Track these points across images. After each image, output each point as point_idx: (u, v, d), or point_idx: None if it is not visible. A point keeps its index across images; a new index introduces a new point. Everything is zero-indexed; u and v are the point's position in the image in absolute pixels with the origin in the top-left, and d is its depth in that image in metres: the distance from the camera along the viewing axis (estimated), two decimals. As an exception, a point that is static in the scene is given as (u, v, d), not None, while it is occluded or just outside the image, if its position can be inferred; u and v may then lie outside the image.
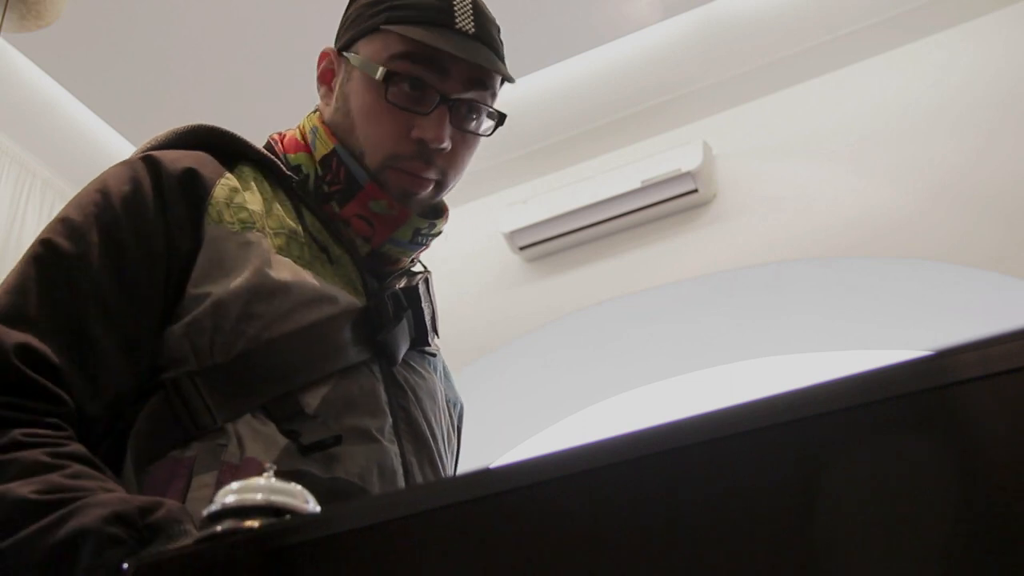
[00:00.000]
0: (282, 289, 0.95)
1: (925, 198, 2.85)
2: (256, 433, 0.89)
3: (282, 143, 1.11)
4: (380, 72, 1.02)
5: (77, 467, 0.79)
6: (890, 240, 2.85)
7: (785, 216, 3.03)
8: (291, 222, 1.02)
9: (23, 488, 0.75)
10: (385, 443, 0.96)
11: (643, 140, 3.38)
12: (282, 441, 0.90)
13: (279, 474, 0.54)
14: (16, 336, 0.84)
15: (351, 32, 1.10)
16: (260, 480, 0.53)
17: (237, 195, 0.99)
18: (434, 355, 1.13)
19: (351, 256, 1.04)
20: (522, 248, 3.33)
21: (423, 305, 1.08)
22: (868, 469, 0.37)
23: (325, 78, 1.11)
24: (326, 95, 1.11)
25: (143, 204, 0.95)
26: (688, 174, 3.11)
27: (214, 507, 0.52)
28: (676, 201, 3.16)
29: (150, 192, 0.96)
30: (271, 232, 0.99)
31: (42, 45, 3.20)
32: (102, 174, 1.00)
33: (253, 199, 1.00)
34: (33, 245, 0.93)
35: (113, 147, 3.59)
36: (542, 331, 3.27)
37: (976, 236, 2.73)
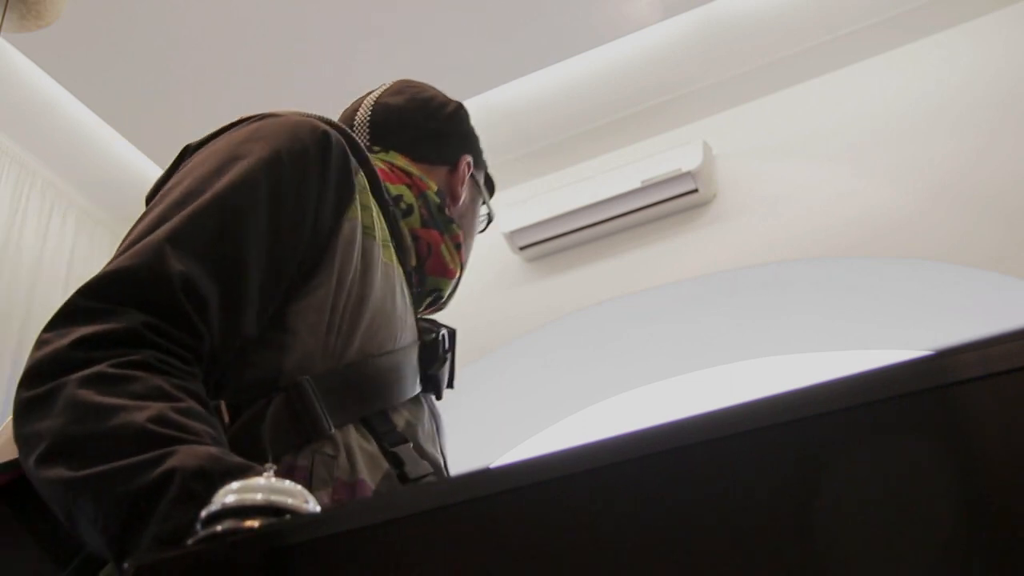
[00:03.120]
0: (388, 305, 0.99)
1: (925, 198, 2.85)
2: (362, 450, 0.91)
3: None
4: (488, 216, 1.34)
5: (191, 404, 0.79)
6: (890, 240, 2.85)
7: (785, 216, 3.03)
8: (391, 240, 1.06)
9: (139, 414, 0.75)
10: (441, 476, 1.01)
11: (643, 140, 3.38)
12: (384, 465, 0.92)
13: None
14: (181, 264, 0.84)
15: (477, 155, 1.30)
16: (260, 480, 0.53)
17: (364, 195, 1.02)
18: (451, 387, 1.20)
19: (411, 287, 1.10)
20: (522, 248, 3.33)
21: (454, 351, 1.15)
22: (868, 469, 0.37)
23: (460, 176, 1.25)
24: (443, 175, 1.23)
25: (307, 173, 0.96)
26: (688, 174, 3.11)
27: (214, 507, 0.52)
28: (676, 201, 3.16)
29: (317, 164, 0.97)
30: (381, 242, 1.03)
31: (42, 45, 3.20)
32: (266, 123, 1.00)
33: (373, 206, 1.04)
34: (204, 173, 0.93)
35: (113, 147, 3.59)
36: (542, 331, 3.26)
37: (976, 236, 2.72)
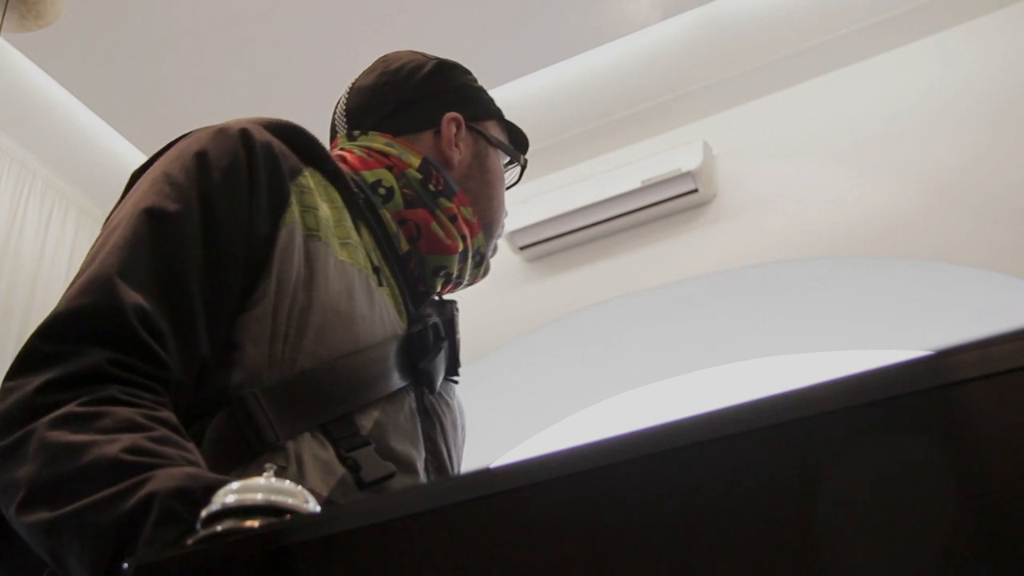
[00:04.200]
0: (343, 306, 0.96)
1: (925, 198, 2.85)
2: (315, 459, 0.89)
3: (345, 163, 1.14)
4: (514, 164, 1.29)
5: (165, 432, 0.78)
6: (890, 240, 2.85)
7: (785, 216, 3.03)
8: (356, 236, 1.04)
9: (111, 447, 0.74)
10: (422, 477, 0.98)
11: (643, 140, 3.38)
12: (340, 471, 0.90)
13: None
14: (134, 296, 0.84)
15: (471, 107, 1.24)
16: (260, 480, 0.53)
17: (309, 196, 1.00)
18: (456, 382, 1.16)
19: (397, 279, 1.07)
20: (522, 248, 3.33)
21: (457, 336, 1.13)
22: (868, 469, 0.37)
23: (446, 137, 1.19)
24: (430, 140, 1.19)
25: (238, 181, 0.95)
26: (688, 174, 3.11)
27: (214, 507, 0.52)
28: (676, 201, 3.16)
29: (245, 170, 0.95)
30: (338, 242, 1.00)
31: (42, 45, 3.20)
32: (197, 136, 0.99)
33: (323, 206, 1.01)
34: (140, 202, 0.92)
35: (113, 147, 3.59)
36: (542, 331, 3.26)
37: (976, 236, 2.72)
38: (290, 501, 0.52)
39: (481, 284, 1.28)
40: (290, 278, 0.93)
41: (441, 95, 1.22)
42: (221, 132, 0.98)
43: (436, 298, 1.16)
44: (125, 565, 0.52)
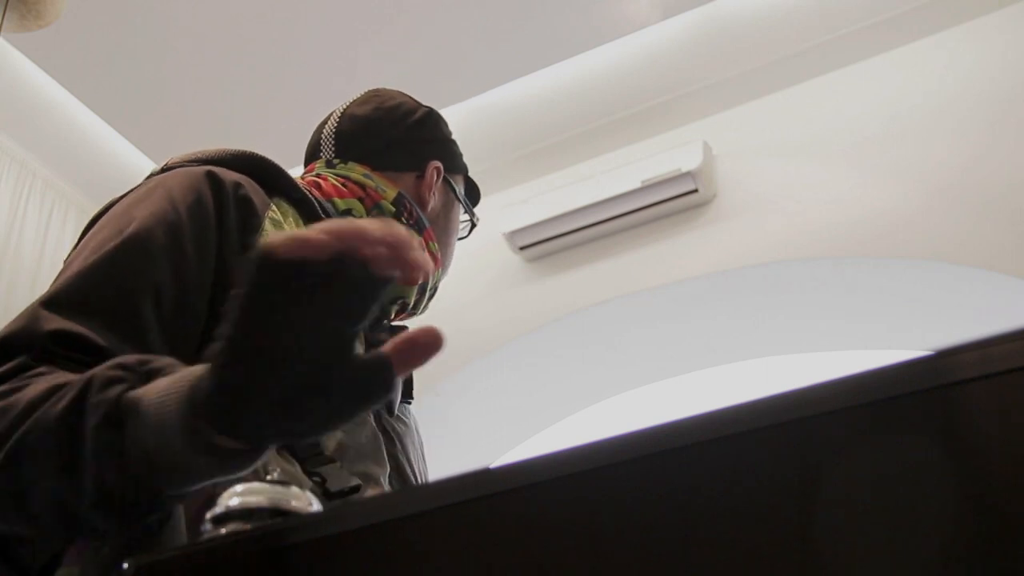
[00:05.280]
0: None
1: (925, 198, 2.85)
2: (284, 472, 0.90)
3: (319, 189, 1.16)
4: (469, 222, 1.36)
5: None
6: (890, 240, 2.85)
7: (785, 216, 3.03)
8: None
9: (34, 389, 0.74)
10: (387, 491, 0.99)
11: (643, 140, 3.38)
12: (307, 483, 0.91)
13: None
14: (56, 323, 0.82)
15: (449, 160, 1.31)
16: (263, 483, 0.53)
17: (279, 229, 1.01)
18: (410, 403, 1.18)
19: None
20: (522, 248, 3.33)
21: None
22: (868, 469, 0.37)
23: (428, 182, 1.26)
24: (411, 181, 1.25)
25: (205, 219, 0.95)
26: (688, 174, 3.11)
27: (218, 509, 0.52)
28: (676, 201, 3.16)
29: (212, 209, 0.96)
30: None
31: (42, 45, 3.20)
32: (163, 178, 0.99)
33: None
34: (103, 235, 0.92)
35: (113, 147, 3.59)
36: (542, 331, 3.27)
37: (976, 236, 2.73)
38: (294, 503, 0.52)
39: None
40: None
41: (429, 142, 1.28)
42: (186, 175, 0.98)
43: (387, 323, 1.18)
44: (125, 565, 0.52)
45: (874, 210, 2.90)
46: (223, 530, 0.51)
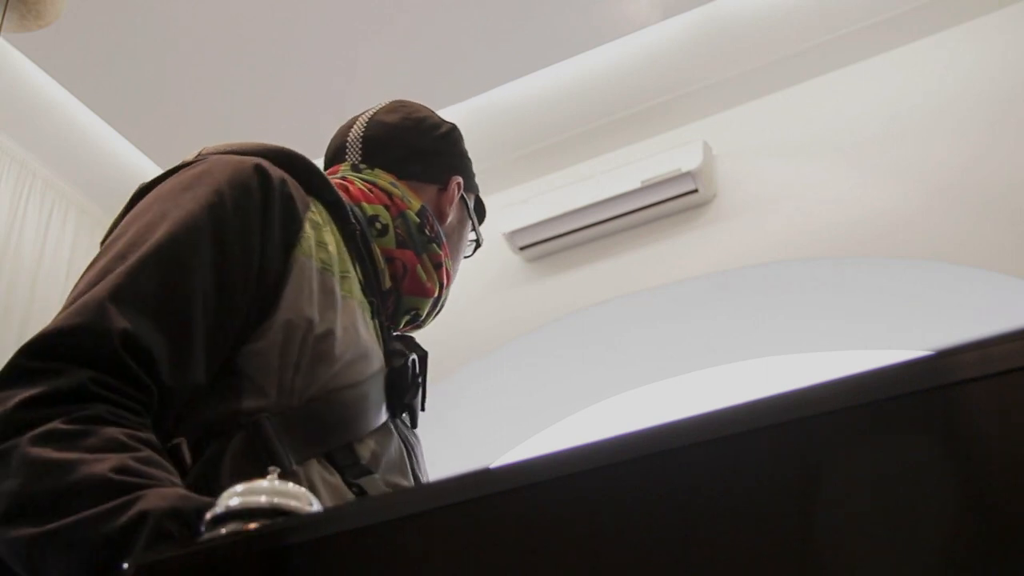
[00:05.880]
0: (349, 339, 0.99)
1: (925, 198, 2.85)
2: (326, 483, 0.92)
3: (347, 192, 1.17)
4: (475, 242, 1.37)
5: (150, 453, 0.79)
6: (890, 240, 2.85)
7: (785, 216, 3.03)
8: (352, 269, 1.06)
9: (99, 465, 0.75)
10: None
11: (643, 140, 3.38)
12: (348, 496, 0.92)
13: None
14: (123, 322, 0.84)
15: (467, 178, 1.32)
16: (264, 483, 0.53)
17: (319, 232, 1.02)
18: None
19: (379, 315, 1.10)
20: (522, 248, 3.33)
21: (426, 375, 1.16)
22: (868, 469, 0.37)
23: (449, 196, 1.27)
24: (432, 194, 1.26)
25: (250, 215, 0.96)
26: (688, 174, 3.11)
27: (219, 510, 0.52)
28: (676, 201, 3.16)
29: (258, 206, 0.97)
30: (339, 276, 1.02)
31: (42, 45, 3.20)
32: (210, 166, 0.99)
33: (330, 239, 1.04)
34: (148, 226, 0.93)
35: (113, 147, 3.59)
36: (542, 331, 3.26)
37: (976, 236, 2.72)
38: (293, 503, 0.52)
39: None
40: (301, 311, 0.95)
41: (452, 157, 1.30)
42: (236, 165, 0.99)
43: (397, 334, 1.19)
44: (125, 565, 0.52)
45: (874, 210, 2.90)
46: (223, 530, 0.51)
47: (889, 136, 2.98)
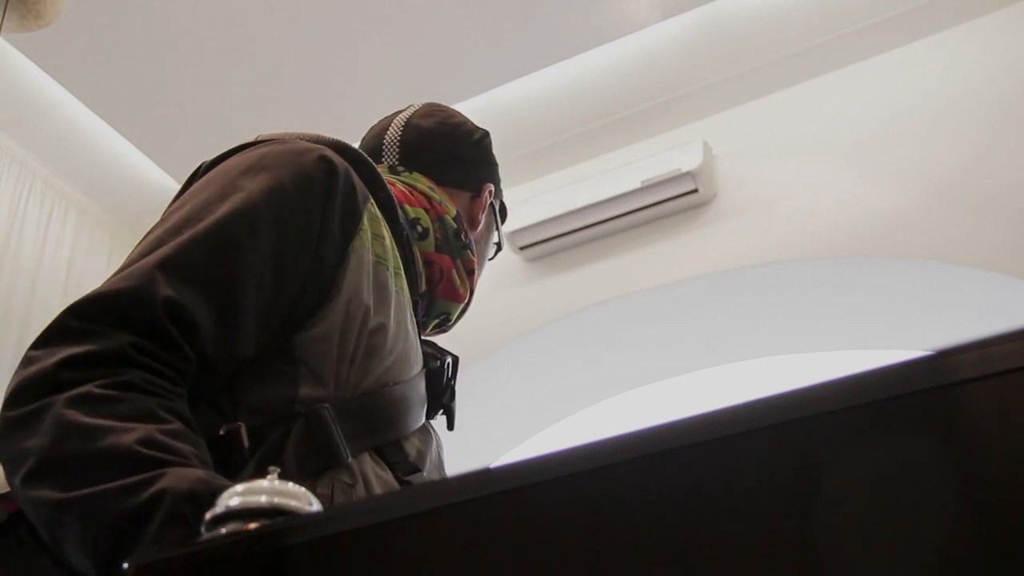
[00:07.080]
0: (400, 335, 1.00)
1: (925, 198, 2.85)
2: (379, 478, 0.93)
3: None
4: (497, 245, 1.37)
5: (179, 425, 0.80)
6: (890, 240, 2.85)
7: (785, 216, 3.03)
8: (402, 267, 1.07)
9: (127, 436, 0.75)
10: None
11: (643, 140, 3.38)
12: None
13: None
14: (168, 290, 0.85)
15: (497, 186, 1.33)
16: (264, 482, 0.53)
17: (376, 224, 1.03)
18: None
19: (417, 316, 1.11)
20: (522, 248, 3.33)
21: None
22: (868, 469, 0.37)
23: (482, 203, 1.28)
24: (466, 200, 1.27)
25: (310, 203, 0.96)
26: (688, 174, 3.11)
27: (218, 510, 0.52)
28: (676, 201, 3.16)
29: (320, 195, 0.97)
30: (392, 271, 1.03)
31: (42, 45, 3.20)
32: (274, 149, 1.00)
33: (385, 233, 1.05)
34: (208, 202, 0.93)
35: (113, 147, 3.59)
36: (542, 331, 3.26)
37: (976, 236, 2.72)
38: (294, 503, 0.52)
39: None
40: (359, 302, 0.96)
41: (486, 165, 1.31)
42: (299, 152, 0.99)
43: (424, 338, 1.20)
44: (125, 565, 0.52)
45: (874, 210, 2.90)
46: (223, 530, 0.51)
47: (889, 136, 2.98)
